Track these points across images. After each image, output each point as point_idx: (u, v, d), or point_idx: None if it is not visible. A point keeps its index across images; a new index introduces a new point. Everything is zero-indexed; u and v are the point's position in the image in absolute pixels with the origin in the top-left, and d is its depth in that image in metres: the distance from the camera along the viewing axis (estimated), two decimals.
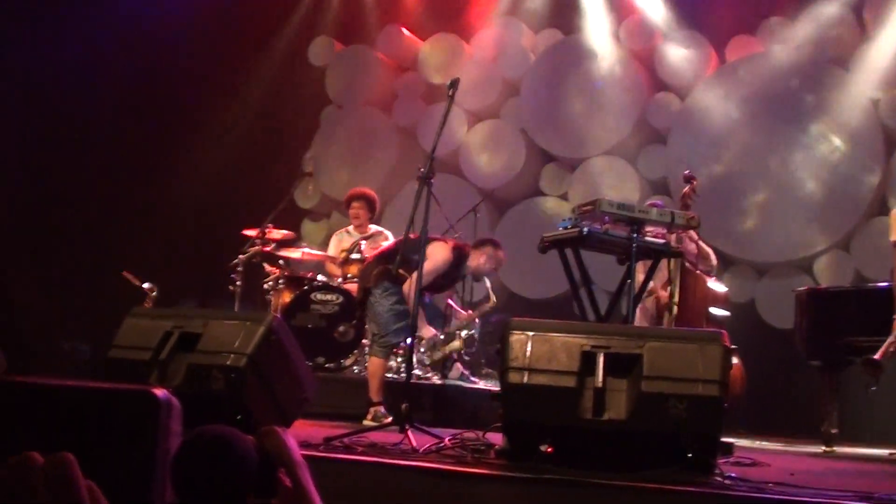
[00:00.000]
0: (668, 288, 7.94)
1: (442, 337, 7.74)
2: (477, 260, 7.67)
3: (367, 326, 8.32)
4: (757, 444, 6.89)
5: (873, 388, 6.97)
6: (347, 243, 9.30)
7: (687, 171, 8.23)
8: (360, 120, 12.97)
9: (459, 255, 7.62)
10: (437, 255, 7.44)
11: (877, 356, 6.74)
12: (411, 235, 6.48)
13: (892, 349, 6.76)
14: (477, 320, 8.20)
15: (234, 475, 3.05)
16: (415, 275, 6.91)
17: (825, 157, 10.69)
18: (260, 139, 12.69)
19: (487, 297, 7.93)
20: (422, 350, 7.68)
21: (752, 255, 10.96)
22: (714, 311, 8.23)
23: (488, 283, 7.82)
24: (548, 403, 4.60)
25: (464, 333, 8.65)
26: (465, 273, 7.78)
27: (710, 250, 8.73)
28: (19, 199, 11.44)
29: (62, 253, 11.61)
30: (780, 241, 10.79)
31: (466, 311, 8.24)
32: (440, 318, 8.25)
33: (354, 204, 9.49)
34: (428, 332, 7.60)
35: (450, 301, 8.26)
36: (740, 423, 8.50)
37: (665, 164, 11.48)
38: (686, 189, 8.00)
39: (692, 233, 8.31)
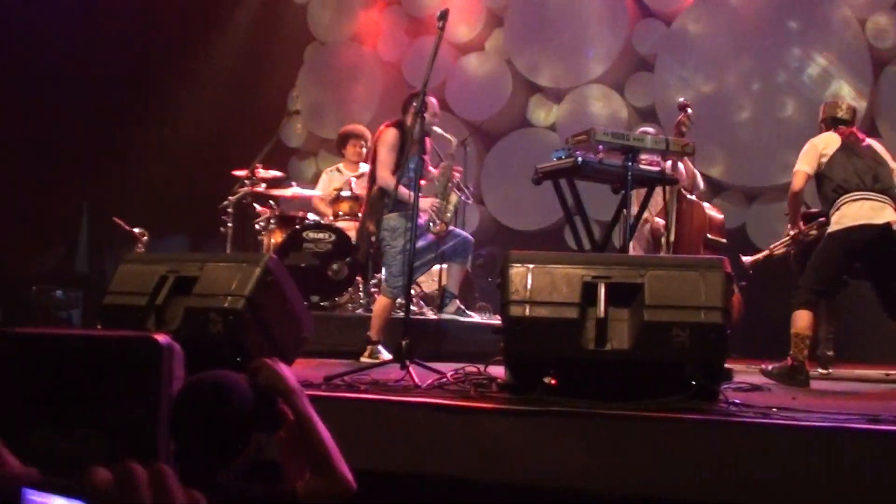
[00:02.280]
0: (664, 216, 7.92)
1: (439, 202, 7.66)
2: (411, 119, 7.45)
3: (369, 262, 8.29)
4: (754, 369, 6.89)
5: (742, 283, 7.57)
6: (338, 182, 9.25)
7: (682, 100, 8.19)
8: (345, 56, 12.87)
9: (400, 125, 7.61)
10: (385, 138, 7.56)
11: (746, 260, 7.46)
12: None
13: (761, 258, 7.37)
14: (456, 172, 8.04)
15: (233, 415, 3.02)
16: (381, 165, 6.89)
17: (813, 79, 10.64)
18: (245, 78, 12.59)
19: (448, 142, 7.85)
20: (434, 225, 7.61)
21: (742, 179, 10.95)
22: (711, 238, 8.23)
23: (439, 130, 7.73)
24: (550, 335, 4.56)
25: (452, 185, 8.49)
26: (416, 137, 7.60)
27: (696, 172, 8.71)
28: (4, 145, 11.33)
29: (50, 200, 11.52)
30: (770, 165, 10.76)
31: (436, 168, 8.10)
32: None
33: (355, 141, 9.41)
34: (426, 201, 7.53)
35: (430, 169, 8.12)
36: (736, 350, 8.52)
37: (652, 92, 11.42)
38: (681, 117, 7.95)
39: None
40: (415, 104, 7.52)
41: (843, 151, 6.82)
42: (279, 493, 3.02)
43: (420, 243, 7.26)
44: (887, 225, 6.60)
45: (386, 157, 7.49)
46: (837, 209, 6.69)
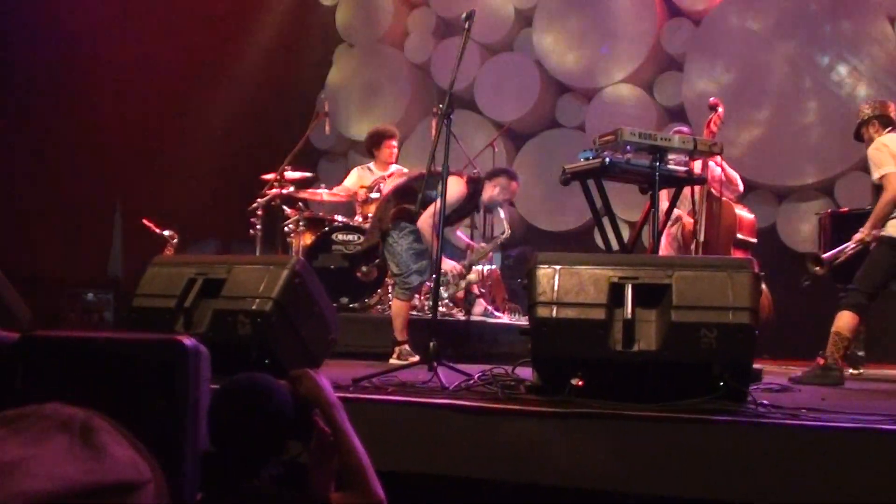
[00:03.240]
0: (694, 216, 7.89)
1: (463, 270, 7.71)
2: (490, 191, 7.60)
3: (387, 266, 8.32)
4: (784, 369, 6.86)
5: (807, 283, 7.19)
6: (368, 180, 9.24)
7: (712, 99, 8.15)
8: (373, 58, 12.90)
9: (474, 188, 7.57)
10: (452, 189, 7.38)
11: (825, 256, 7.03)
12: (423, 171, 6.44)
13: (842, 257, 6.94)
14: (492, 253, 8.14)
15: (271, 421, 3.05)
16: (428, 210, 6.88)
17: (844, 79, 10.57)
18: (274, 81, 12.62)
19: (503, 229, 7.87)
20: (445, 288, 7.65)
21: (772, 178, 10.88)
22: (741, 237, 8.20)
23: (503, 214, 7.74)
24: (577, 337, 4.56)
25: (480, 267, 8.61)
26: (479, 205, 7.73)
27: (735, 175, 8.65)
28: (36, 147, 11.41)
29: (81, 202, 11.59)
30: (799, 165, 10.70)
31: (480, 243, 8.19)
32: (459, 252, 8.21)
33: (389, 142, 9.40)
34: (447, 264, 7.56)
35: (459, 233, 8.21)
36: (766, 350, 8.49)
37: (681, 91, 11.38)
38: (712, 116, 7.91)
39: (717, 158, 8.25)
40: (500, 179, 7.56)
41: None
42: (312, 503, 3.04)
43: (423, 246, 7.28)
44: None
45: (438, 208, 7.26)
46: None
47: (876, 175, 6.80)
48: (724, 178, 8.41)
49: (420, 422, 4.54)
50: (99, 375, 3.14)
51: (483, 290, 8.84)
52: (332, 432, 3.13)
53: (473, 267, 7.95)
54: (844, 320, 6.63)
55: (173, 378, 3.06)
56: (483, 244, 8.21)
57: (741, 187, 8.69)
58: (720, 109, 7.96)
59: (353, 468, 3.10)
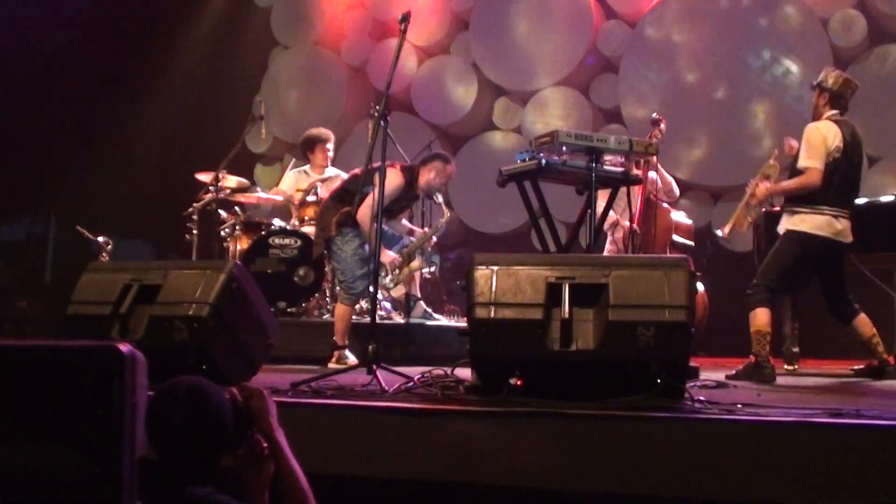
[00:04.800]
0: (630, 219, 7.96)
1: (401, 259, 7.71)
2: (427, 176, 7.60)
3: (327, 271, 8.30)
4: (720, 367, 6.93)
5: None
6: (304, 183, 9.21)
7: (654, 115, 8.19)
8: (309, 60, 12.85)
9: (410, 176, 7.57)
10: (388, 180, 7.37)
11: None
12: (357, 171, 6.44)
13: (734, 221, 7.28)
14: (434, 237, 8.14)
15: (211, 424, 3.03)
16: (367, 202, 6.88)
17: (777, 79, 10.71)
18: (209, 84, 12.54)
19: (441, 213, 7.87)
20: (385, 277, 7.65)
21: (708, 179, 10.99)
22: (678, 238, 8.28)
23: (440, 198, 7.75)
24: (515, 337, 4.57)
25: (425, 269, 8.62)
26: (417, 192, 7.73)
27: (671, 180, 8.74)
28: None
29: (11, 209, 11.45)
30: (735, 165, 10.82)
31: (422, 229, 8.20)
32: (402, 243, 8.20)
33: (324, 146, 9.37)
34: (387, 257, 7.57)
35: (406, 223, 8.21)
36: (703, 348, 8.59)
37: (617, 93, 11.47)
38: (653, 130, 7.97)
39: (654, 162, 8.33)
40: (435, 163, 7.58)
41: (844, 156, 6.79)
42: None
43: (367, 252, 7.28)
44: (845, 244, 6.81)
45: (375, 201, 7.27)
46: (808, 212, 6.74)
47: (801, 162, 6.83)
48: (660, 183, 8.50)
49: (360, 425, 4.52)
50: (35, 384, 3.10)
51: (428, 275, 8.84)
52: (271, 452, 3.14)
53: (417, 254, 7.94)
54: (758, 317, 6.75)
55: (110, 385, 3.03)
56: (425, 229, 8.22)
57: (677, 192, 8.78)
58: (662, 125, 8.00)
59: (294, 490, 3.13)
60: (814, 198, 6.74)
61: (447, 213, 7.92)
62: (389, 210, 7.58)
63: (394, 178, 7.41)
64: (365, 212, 7.04)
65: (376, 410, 4.53)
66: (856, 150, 6.91)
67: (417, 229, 8.21)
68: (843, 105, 6.99)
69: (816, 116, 7.00)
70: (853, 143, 6.87)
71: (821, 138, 6.79)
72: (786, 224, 6.86)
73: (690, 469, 4.03)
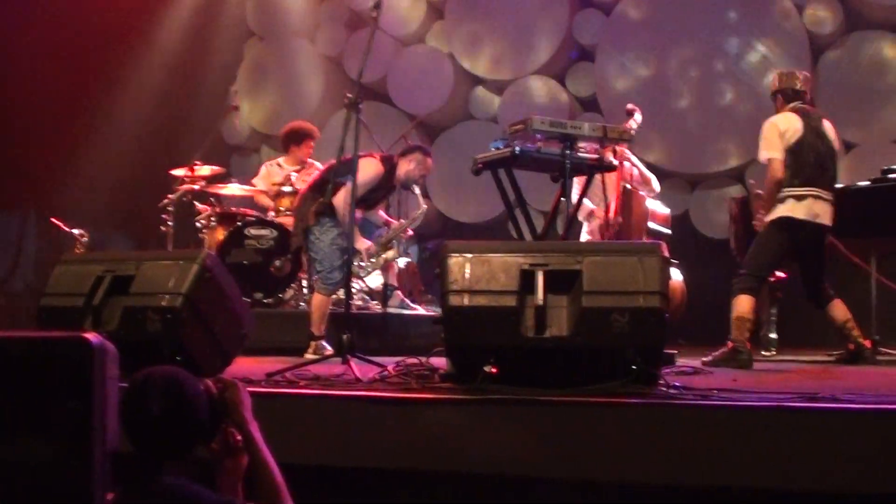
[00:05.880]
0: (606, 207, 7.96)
1: (376, 248, 7.71)
2: (406, 166, 7.61)
3: (304, 262, 8.27)
4: (699, 355, 6.94)
5: None
6: (278, 176, 9.20)
7: (629, 105, 8.19)
8: (285, 51, 12.79)
9: (389, 166, 7.56)
10: (368, 169, 7.37)
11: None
12: (331, 162, 6.44)
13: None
14: (409, 229, 8.14)
15: (186, 414, 3.02)
16: (342, 191, 6.87)
17: (753, 66, 10.72)
18: (184, 74, 12.47)
19: (418, 205, 7.87)
20: (360, 264, 7.64)
21: (684, 167, 11.01)
22: (653, 226, 8.28)
23: (417, 190, 7.75)
24: (489, 324, 4.55)
25: (400, 260, 8.62)
26: (396, 183, 7.72)
27: (652, 176, 8.74)
28: None
29: None
30: (711, 152, 10.85)
31: (399, 220, 8.20)
32: (378, 233, 8.19)
33: (310, 142, 9.38)
34: (363, 244, 7.57)
35: (382, 214, 8.21)
36: (682, 335, 8.59)
37: (594, 81, 11.47)
38: (628, 122, 7.97)
39: (632, 157, 8.34)
40: (415, 155, 7.58)
41: (805, 138, 6.83)
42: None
43: (342, 241, 7.27)
44: (823, 226, 6.83)
45: (358, 187, 7.25)
46: (788, 198, 6.76)
47: (760, 157, 6.95)
48: (640, 178, 8.51)
49: (334, 414, 4.51)
50: (3, 376, 3.08)
51: (396, 285, 8.83)
52: (245, 445, 3.14)
53: (392, 244, 7.94)
54: (742, 304, 6.76)
55: (80, 376, 3.01)
56: (401, 220, 8.21)
57: (657, 187, 8.77)
58: (637, 115, 8.00)
59: (268, 483, 3.13)
60: (790, 183, 6.76)
61: (423, 205, 7.92)
62: (367, 199, 7.57)
63: (372, 168, 7.41)
64: (342, 199, 7.01)
65: (350, 400, 4.53)
66: (821, 136, 6.92)
67: (393, 220, 8.21)
68: (798, 97, 7.06)
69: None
70: (816, 130, 6.91)
71: (774, 129, 6.87)
72: (772, 213, 6.87)
73: (666, 455, 4.03)
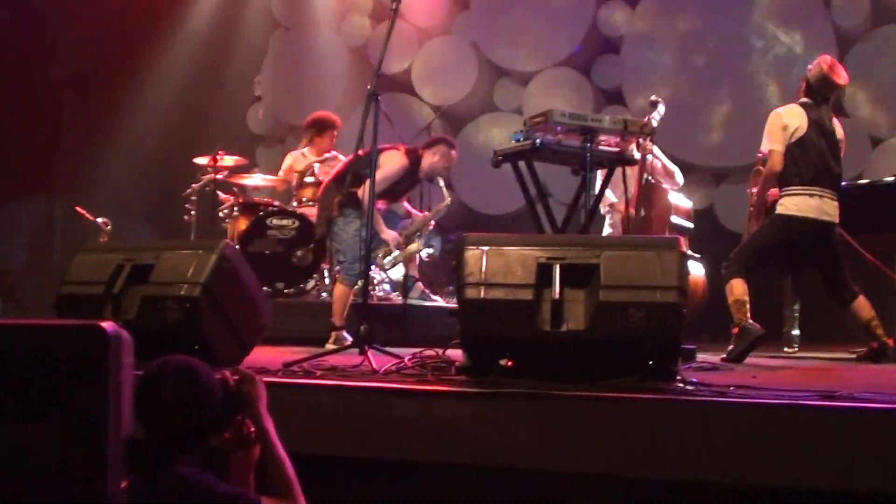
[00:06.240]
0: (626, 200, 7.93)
1: (401, 239, 7.72)
2: (430, 159, 7.62)
3: (326, 252, 8.28)
4: (721, 350, 6.90)
5: None
6: (301, 165, 9.20)
7: (653, 97, 8.16)
8: (310, 42, 12.80)
9: (414, 159, 7.57)
10: (392, 161, 7.40)
11: None
12: (360, 152, 6.46)
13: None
14: (433, 221, 8.15)
15: (199, 403, 3.03)
16: (367, 184, 6.88)
17: (779, 59, 10.65)
18: (210, 67, 12.51)
19: (442, 197, 7.87)
20: (381, 256, 7.66)
21: (710, 160, 10.94)
22: (676, 220, 8.25)
23: (442, 183, 7.76)
24: (505, 317, 4.54)
25: (424, 252, 8.62)
26: (420, 175, 7.73)
27: (675, 168, 8.71)
28: None
29: (13, 190, 11.48)
30: (738, 146, 10.77)
31: (422, 212, 8.20)
32: (403, 225, 8.20)
33: (333, 133, 9.40)
34: (389, 235, 7.58)
35: (406, 205, 8.21)
36: (705, 331, 8.55)
37: (619, 74, 11.42)
38: (651, 113, 7.94)
39: (656, 150, 8.32)
40: (440, 147, 7.59)
41: (809, 135, 6.82)
42: (245, 502, 3.03)
43: (365, 232, 7.27)
44: (831, 223, 6.80)
45: (380, 178, 7.17)
46: (793, 196, 6.73)
47: (762, 147, 6.93)
48: (663, 171, 8.48)
49: (349, 405, 4.51)
50: (20, 364, 3.10)
51: (417, 276, 8.83)
52: (258, 436, 3.15)
53: (416, 237, 7.95)
54: (735, 288, 6.75)
55: (95, 364, 3.02)
56: (425, 213, 8.21)
57: (680, 180, 8.75)
58: (661, 107, 7.97)
59: (282, 479, 3.15)
60: (790, 180, 6.78)
61: (447, 198, 7.92)
62: (391, 191, 7.59)
63: (397, 160, 7.43)
64: (367, 191, 7.03)
65: (366, 391, 4.53)
66: (826, 134, 6.89)
67: (417, 212, 8.20)
68: (818, 99, 6.99)
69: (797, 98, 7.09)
70: (822, 127, 6.88)
71: (778, 122, 6.86)
72: (779, 207, 6.85)
73: (681, 451, 4.02)
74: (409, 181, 7.75)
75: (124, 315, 5.23)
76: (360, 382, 4.67)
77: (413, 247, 7.90)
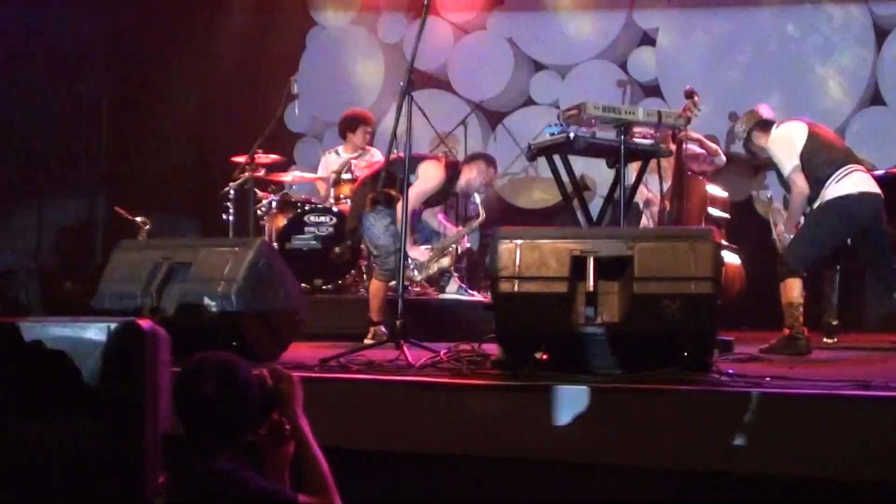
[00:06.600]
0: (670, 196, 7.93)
1: (431, 255, 7.73)
2: (468, 175, 7.64)
3: (363, 248, 8.31)
4: (761, 341, 6.86)
5: None
6: (336, 164, 9.25)
7: (688, 87, 8.14)
8: (346, 39, 12.82)
9: (453, 172, 7.59)
10: (430, 174, 7.42)
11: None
12: (399, 155, 6.47)
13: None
14: (466, 236, 8.17)
15: (237, 399, 3.07)
16: (412, 189, 6.91)
17: (816, 48, 10.57)
18: (247, 64, 12.57)
19: (477, 212, 7.90)
20: (413, 270, 7.67)
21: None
22: (712, 211, 8.22)
23: (478, 199, 7.79)
24: (540, 311, 4.56)
25: (453, 249, 8.62)
26: (456, 190, 7.75)
27: (716, 146, 8.73)
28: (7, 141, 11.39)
29: (53, 191, 11.60)
30: None
31: (457, 226, 8.21)
32: (435, 236, 8.22)
33: (365, 128, 9.42)
34: (416, 251, 7.60)
35: (440, 217, 8.23)
36: (744, 321, 8.52)
37: (655, 66, 11.38)
38: (687, 104, 7.92)
39: (695, 135, 8.30)
40: (478, 163, 7.62)
41: (810, 129, 6.94)
42: (282, 499, 3.07)
43: (395, 227, 7.30)
44: (880, 197, 6.77)
45: (418, 191, 7.30)
46: (834, 181, 6.71)
47: (787, 170, 6.89)
48: (706, 155, 8.47)
49: (385, 399, 4.55)
50: (59, 360, 3.15)
51: (457, 274, 8.84)
52: (294, 434, 3.18)
53: (447, 250, 7.96)
54: (790, 288, 6.68)
55: (131, 361, 3.07)
56: (459, 227, 8.23)
57: (724, 158, 8.77)
58: (696, 98, 7.94)
59: (317, 476, 3.17)
60: (826, 173, 6.76)
61: (483, 214, 7.93)
62: (426, 201, 7.61)
63: (436, 172, 7.45)
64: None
65: (401, 385, 4.57)
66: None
67: (451, 226, 8.21)
68: (772, 121, 7.21)
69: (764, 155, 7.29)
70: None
71: (783, 141, 6.95)
72: (819, 199, 6.81)
73: (716, 442, 4.02)
74: (442, 194, 7.76)
75: (162, 313, 5.29)
76: (396, 377, 4.71)
77: (445, 261, 7.90)
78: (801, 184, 6.79)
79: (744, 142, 7.36)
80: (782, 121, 7.13)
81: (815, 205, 6.81)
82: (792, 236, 6.94)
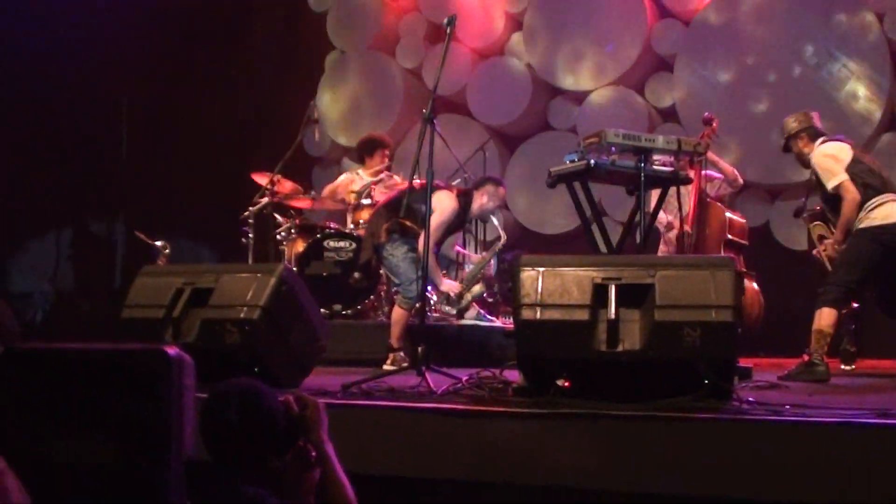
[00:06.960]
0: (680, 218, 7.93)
1: (461, 288, 7.75)
2: (479, 201, 7.68)
3: (382, 274, 8.33)
4: (780, 368, 6.86)
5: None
6: (358, 186, 9.27)
7: (707, 114, 8.17)
8: (365, 64, 12.89)
9: (465, 201, 7.62)
10: (445, 205, 7.45)
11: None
12: (416, 182, 6.49)
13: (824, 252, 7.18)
14: (492, 261, 8.20)
15: (262, 426, 3.09)
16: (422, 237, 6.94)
17: (833, 74, 10.59)
18: (266, 90, 12.65)
19: (498, 236, 7.93)
20: (445, 306, 7.71)
21: (764, 177, 10.88)
22: (731, 238, 8.24)
23: (496, 221, 7.82)
24: (562, 338, 4.58)
25: (480, 276, 8.67)
26: (471, 217, 7.78)
27: (733, 168, 8.76)
28: (24, 161, 11.47)
29: (72, 214, 11.67)
30: (793, 162, 10.68)
31: (479, 253, 8.25)
32: (453, 266, 8.26)
33: (383, 151, 9.45)
34: (447, 286, 7.62)
35: (458, 247, 8.27)
36: (762, 348, 8.52)
37: (673, 92, 11.41)
38: (706, 130, 7.94)
39: (711, 155, 8.34)
40: (487, 187, 7.65)
41: (855, 153, 6.99)
42: None
43: (414, 254, 7.33)
44: None
45: (437, 223, 7.34)
46: (874, 207, 6.73)
47: (831, 185, 6.90)
48: (724, 180, 8.50)
49: (408, 426, 4.56)
50: (84, 386, 3.18)
51: (490, 299, 8.87)
52: (319, 460, 3.19)
53: (478, 279, 7.99)
54: (824, 317, 6.68)
55: (157, 387, 3.10)
56: (482, 254, 8.26)
57: (741, 179, 8.80)
58: (714, 124, 7.98)
59: (341, 502, 3.16)
60: (868, 196, 6.75)
61: (503, 236, 7.96)
62: (441, 235, 7.65)
63: (449, 203, 7.49)
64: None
65: (423, 411, 4.57)
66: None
67: (471, 254, 8.24)
68: (822, 132, 7.21)
69: (806, 162, 7.23)
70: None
71: (830, 156, 6.98)
72: (861, 223, 6.82)
73: (736, 470, 4.02)
74: (457, 223, 7.81)
75: (184, 338, 5.32)
76: (418, 403, 4.72)
77: (476, 289, 7.93)
78: (853, 190, 6.82)
79: (787, 138, 7.34)
80: (828, 137, 7.15)
81: (857, 227, 6.83)
82: (841, 247, 6.94)
